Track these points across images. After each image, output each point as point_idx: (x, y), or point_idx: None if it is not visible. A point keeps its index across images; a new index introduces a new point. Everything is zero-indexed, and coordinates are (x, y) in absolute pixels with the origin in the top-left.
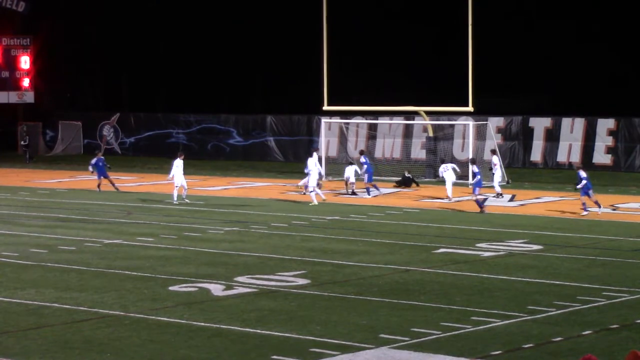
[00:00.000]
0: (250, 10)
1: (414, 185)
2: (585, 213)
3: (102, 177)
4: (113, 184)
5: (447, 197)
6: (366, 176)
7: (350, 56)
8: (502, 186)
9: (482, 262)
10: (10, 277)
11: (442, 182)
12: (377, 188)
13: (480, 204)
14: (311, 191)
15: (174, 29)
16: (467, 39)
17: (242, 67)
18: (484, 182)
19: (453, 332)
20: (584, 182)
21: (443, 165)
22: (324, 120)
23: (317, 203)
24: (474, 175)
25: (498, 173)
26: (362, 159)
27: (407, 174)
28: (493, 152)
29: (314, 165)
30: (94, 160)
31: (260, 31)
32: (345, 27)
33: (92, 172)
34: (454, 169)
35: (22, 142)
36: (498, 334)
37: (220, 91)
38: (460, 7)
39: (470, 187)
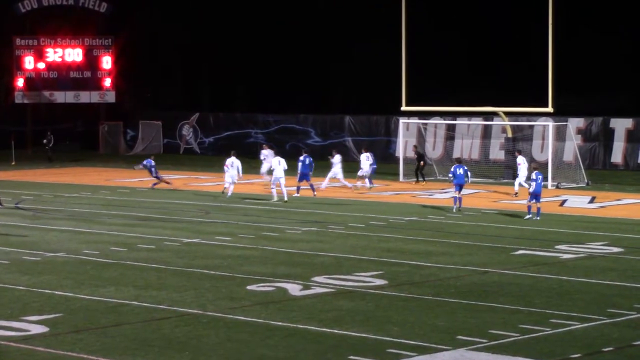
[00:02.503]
0: (329, 10)
1: (422, 164)
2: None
3: None
4: None
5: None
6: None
7: (429, 56)
8: (580, 188)
9: (561, 264)
10: (91, 275)
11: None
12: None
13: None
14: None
15: (253, 29)
16: (547, 39)
17: (321, 67)
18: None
19: (531, 335)
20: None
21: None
22: (402, 120)
23: (276, 199)
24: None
25: (522, 173)
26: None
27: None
28: (519, 152)
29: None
30: None
31: (338, 32)
32: (424, 27)
33: None
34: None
35: (45, 141)
36: (577, 337)
37: (298, 91)
38: (541, 7)
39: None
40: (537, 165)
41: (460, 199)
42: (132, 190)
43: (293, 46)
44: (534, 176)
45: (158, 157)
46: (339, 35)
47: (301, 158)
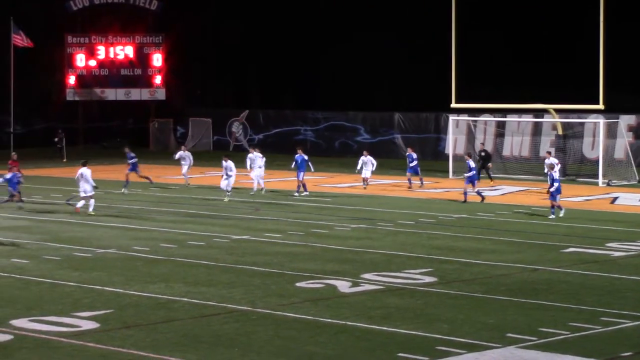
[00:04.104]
0: (378, 8)
1: (489, 165)
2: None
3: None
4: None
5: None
6: (300, 173)
7: (479, 54)
8: (631, 185)
9: (612, 262)
10: (141, 271)
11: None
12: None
13: (479, 194)
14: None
15: (304, 27)
16: (598, 35)
17: (371, 64)
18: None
19: (582, 333)
20: (472, 172)
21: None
22: (452, 117)
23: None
24: (470, 169)
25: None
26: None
27: (482, 153)
28: (549, 153)
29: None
30: (8, 176)
31: (388, 29)
32: (474, 24)
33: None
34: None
35: (56, 139)
36: (628, 336)
37: (348, 88)
38: (592, 2)
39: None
40: (552, 166)
41: (478, 192)
42: (182, 187)
43: (343, 44)
44: (556, 175)
45: (208, 154)
46: (389, 34)
47: (297, 156)
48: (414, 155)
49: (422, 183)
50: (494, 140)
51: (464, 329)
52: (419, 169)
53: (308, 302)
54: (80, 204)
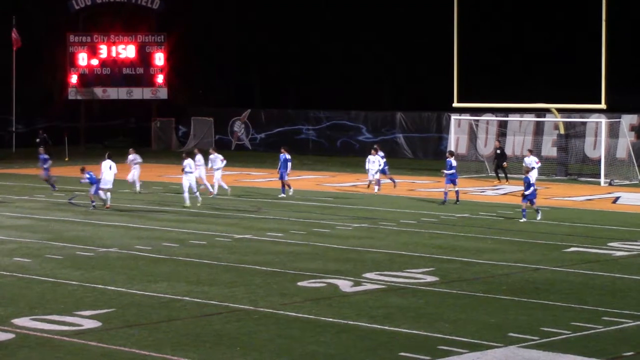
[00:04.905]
0: (381, 7)
1: (505, 164)
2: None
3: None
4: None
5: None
6: (284, 173)
7: (480, 53)
8: (633, 185)
9: (614, 261)
10: (143, 271)
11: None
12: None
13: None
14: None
15: (305, 26)
16: (600, 35)
17: (372, 64)
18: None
19: (583, 332)
20: (453, 170)
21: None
22: (454, 117)
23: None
24: (450, 167)
25: (534, 174)
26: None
27: (498, 151)
28: (530, 152)
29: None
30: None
31: (390, 28)
32: (476, 23)
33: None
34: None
35: (37, 140)
36: (630, 335)
37: (350, 88)
38: (594, 2)
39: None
40: (527, 169)
41: (457, 191)
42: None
43: (345, 43)
44: (532, 179)
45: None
46: (390, 32)
47: (281, 155)
48: (381, 154)
49: (391, 182)
50: (497, 140)
51: (465, 329)
52: (387, 167)
53: (310, 301)
54: (105, 196)
